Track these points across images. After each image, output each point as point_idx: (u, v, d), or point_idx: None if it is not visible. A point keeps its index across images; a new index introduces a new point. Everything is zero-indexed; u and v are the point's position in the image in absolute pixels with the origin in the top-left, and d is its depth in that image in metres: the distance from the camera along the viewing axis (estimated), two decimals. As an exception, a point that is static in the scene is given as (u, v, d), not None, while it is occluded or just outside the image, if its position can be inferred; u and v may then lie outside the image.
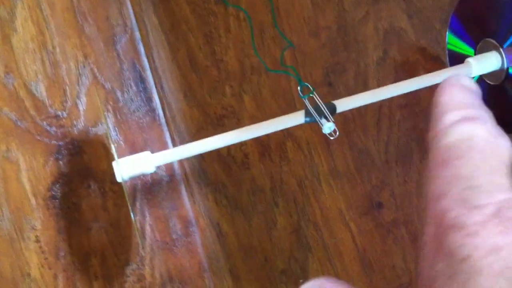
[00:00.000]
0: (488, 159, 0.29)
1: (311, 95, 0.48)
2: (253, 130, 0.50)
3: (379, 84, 0.61)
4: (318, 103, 0.49)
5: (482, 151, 0.30)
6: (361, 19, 0.62)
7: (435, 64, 0.62)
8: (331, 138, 0.49)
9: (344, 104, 0.52)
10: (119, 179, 0.43)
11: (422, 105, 0.61)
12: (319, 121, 0.49)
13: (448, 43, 0.60)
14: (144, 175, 0.49)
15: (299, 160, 0.58)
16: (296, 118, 0.50)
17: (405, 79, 0.61)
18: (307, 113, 0.50)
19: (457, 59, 0.58)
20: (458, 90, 0.36)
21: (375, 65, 0.61)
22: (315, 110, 0.49)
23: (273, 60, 0.59)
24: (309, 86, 0.48)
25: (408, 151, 0.60)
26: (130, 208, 0.42)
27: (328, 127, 0.49)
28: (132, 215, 0.43)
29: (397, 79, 0.62)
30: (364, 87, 0.61)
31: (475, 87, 0.39)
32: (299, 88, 0.48)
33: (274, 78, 0.58)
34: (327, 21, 0.61)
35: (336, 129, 0.49)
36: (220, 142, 0.50)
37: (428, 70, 0.63)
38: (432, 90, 0.60)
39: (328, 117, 0.49)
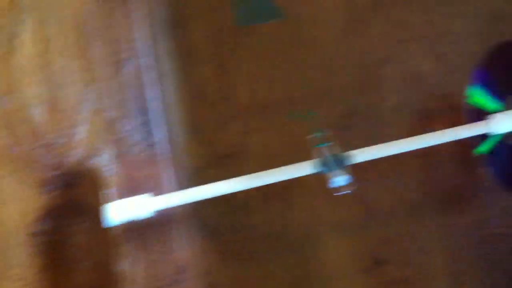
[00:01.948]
0: None
1: (325, 145, 0.46)
2: (259, 178, 0.48)
3: (398, 130, 0.59)
4: (329, 154, 0.47)
5: None
6: (382, 60, 0.60)
7: (456, 115, 0.60)
8: (343, 193, 0.47)
9: (358, 156, 0.49)
10: (107, 224, 0.41)
11: (439, 157, 0.59)
12: (329, 174, 0.47)
13: (471, 95, 0.58)
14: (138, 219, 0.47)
15: (304, 208, 0.56)
16: (305, 169, 0.48)
17: (423, 127, 0.59)
18: (318, 164, 0.48)
19: (480, 113, 0.56)
20: None
21: (393, 111, 0.59)
22: (327, 162, 0.47)
23: (290, 99, 0.57)
24: (325, 134, 0.46)
25: (419, 205, 0.58)
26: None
27: (337, 181, 0.47)
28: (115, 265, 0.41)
29: (414, 126, 0.60)
30: (381, 134, 0.58)
31: None
32: (313, 136, 0.46)
33: (285, 119, 0.56)
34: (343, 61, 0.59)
35: (348, 184, 0.46)
36: (227, 188, 0.47)
37: (449, 120, 0.61)
38: (450, 142, 0.59)
39: (340, 170, 0.47)
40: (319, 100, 0.58)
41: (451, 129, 0.53)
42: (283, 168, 0.48)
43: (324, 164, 0.47)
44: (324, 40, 0.59)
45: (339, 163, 0.47)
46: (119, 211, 0.44)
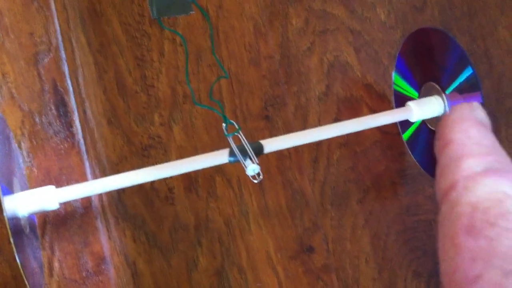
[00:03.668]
0: None
1: (236, 133, 0.47)
2: (172, 168, 0.48)
3: (320, 120, 0.60)
4: (243, 142, 0.48)
5: None
6: (305, 50, 0.61)
7: (381, 102, 0.62)
8: (254, 181, 0.48)
9: (272, 145, 0.50)
10: (9, 215, 0.41)
11: (363, 145, 0.61)
12: (243, 162, 0.48)
13: (394, 83, 0.60)
14: (45, 211, 0.47)
15: (228, 197, 0.57)
16: (219, 157, 0.49)
17: (348, 116, 0.60)
18: (231, 153, 0.48)
19: (403, 100, 0.58)
20: (473, 126, 0.32)
21: (317, 100, 0.60)
22: (240, 150, 0.48)
23: (208, 89, 0.58)
24: (235, 124, 0.47)
25: (345, 193, 0.59)
26: (13, 248, 0.40)
27: (252, 169, 0.47)
28: (17, 257, 0.41)
29: (339, 116, 0.61)
30: (304, 122, 0.59)
31: (487, 120, 0.34)
32: (224, 125, 0.47)
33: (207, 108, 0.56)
34: (269, 50, 0.60)
35: (261, 173, 0.47)
36: (136, 178, 0.48)
37: (372, 109, 0.62)
38: (373, 130, 0.60)
39: (253, 158, 0.48)
40: (239, 90, 0.59)
41: (372, 115, 0.54)
42: (196, 157, 0.49)
43: (237, 152, 0.48)
44: (244, 31, 0.60)
45: (252, 152, 0.48)
46: (22, 203, 0.44)
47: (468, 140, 0.31)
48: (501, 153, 0.31)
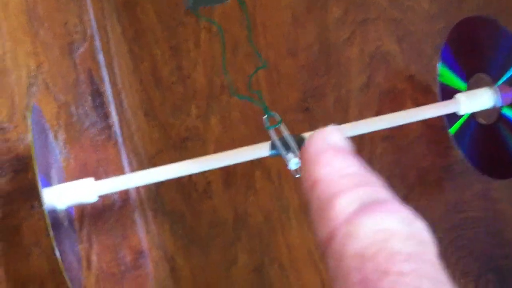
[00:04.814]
0: (419, 265, 0.24)
1: (277, 126, 0.46)
2: (212, 161, 0.48)
3: (361, 113, 0.58)
4: (285, 135, 0.46)
5: (408, 257, 0.23)
6: (346, 40, 0.59)
7: (425, 94, 0.60)
8: (297, 176, 0.46)
9: (315, 137, 0.49)
10: (48, 208, 0.41)
11: (407, 139, 0.59)
12: (285, 156, 0.47)
13: (439, 74, 0.58)
14: (84, 204, 0.47)
15: (268, 191, 0.55)
16: (260, 151, 0.48)
17: (390, 109, 0.59)
18: (273, 146, 0.47)
19: (449, 92, 0.56)
20: (334, 156, 0.28)
21: (357, 92, 0.59)
22: (282, 143, 0.47)
23: (246, 80, 0.57)
24: (276, 116, 0.46)
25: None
26: (52, 241, 0.40)
27: (294, 163, 0.46)
28: (56, 250, 0.40)
29: (381, 108, 0.59)
30: (345, 115, 0.58)
31: (347, 142, 0.30)
32: (264, 117, 0.46)
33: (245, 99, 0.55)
34: (308, 40, 0.59)
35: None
36: (174, 172, 0.47)
37: (416, 101, 0.60)
38: (418, 123, 0.58)
39: (295, 152, 0.47)
40: (279, 81, 0.57)
41: (417, 108, 0.52)
42: (237, 150, 0.48)
43: (279, 146, 0.47)
44: (282, 20, 0.58)
45: (295, 145, 0.47)
46: (60, 196, 0.43)
47: (333, 175, 0.27)
48: (371, 178, 0.28)
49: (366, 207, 0.25)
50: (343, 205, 0.25)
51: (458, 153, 0.57)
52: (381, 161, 0.58)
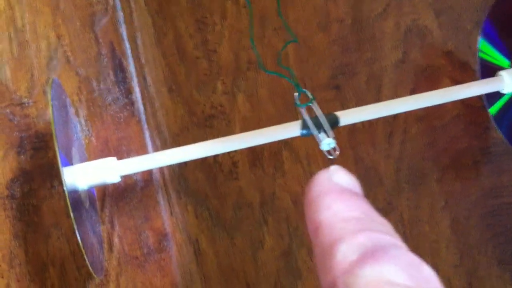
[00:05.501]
0: None
1: (309, 104, 0.43)
2: (239, 140, 0.45)
3: (395, 91, 0.56)
4: (317, 114, 0.44)
5: None
6: (380, 13, 0.56)
7: (463, 72, 0.57)
8: (330, 157, 0.44)
9: (348, 117, 0.47)
10: (68, 188, 0.39)
11: (443, 119, 0.56)
12: (317, 135, 0.44)
13: (480, 50, 0.55)
14: (106, 184, 0.45)
15: (296, 173, 0.53)
16: (290, 130, 0.46)
17: (426, 87, 0.56)
18: (304, 125, 0.45)
19: (490, 69, 0.53)
20: (337, 198, 0.26)
21: (392, 69, 0.56)
22: (314, 122, 0.44)
23: (274, 55, 0.54)
24: (308, 93, 0.44)
25: (422, 171, 0.55)
26: (73, 222, 0.38)
27: (326, 143, 0.44)
28: (77, 232, 0.39)
29: (416, 86, 0.56)
30: (377, 93, 0.55)
31: (353, 182, 0.28)
32: (296, 94, 0.43)
33: (274, 75, 0.53)
34: (339, 13, 0.56)
35: (337, 147, 0.44)
36: (201, 152, 0.45)
37: (454, 79, 0.57)
38: (455, 103, 0.55)
39: (327, 132, 0.44)
40: (308, 57, 0.55)
41: (457, 86, 0.50)
42: (265, 129, 0.46)
43: (311, 125, 0.45)
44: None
45: (328, 125, 0.45)
46: (82, 175, 0.42)
47: (335, 219, 0.26)
48: (374, 222, 0.26)
49: (367, 255, 0.23)
50: (344, 253, 0.23)
51: (498, 135, 0.54)
52: (414, 142, 0.56)
